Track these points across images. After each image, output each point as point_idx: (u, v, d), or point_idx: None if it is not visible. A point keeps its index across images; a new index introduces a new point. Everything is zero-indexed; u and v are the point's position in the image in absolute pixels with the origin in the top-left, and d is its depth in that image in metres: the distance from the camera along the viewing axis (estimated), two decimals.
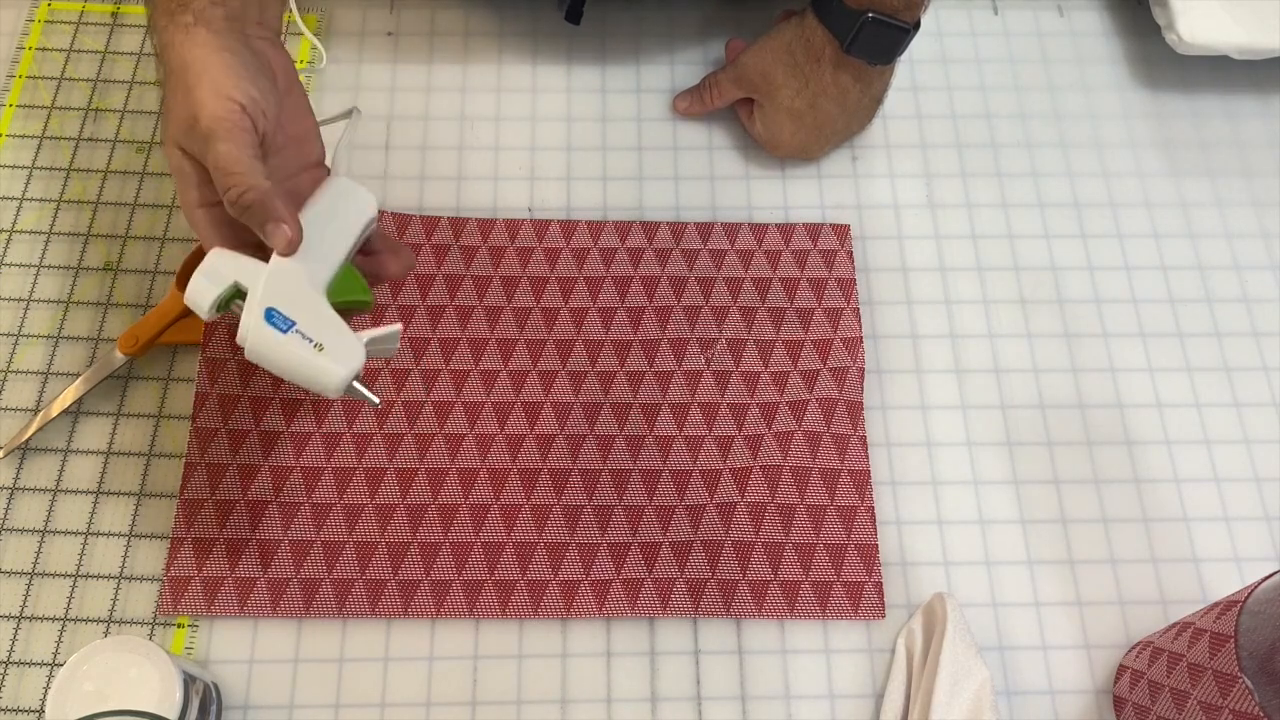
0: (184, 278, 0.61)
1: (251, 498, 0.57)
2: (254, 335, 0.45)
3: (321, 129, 0.52)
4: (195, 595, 0.55)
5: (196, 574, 0.55)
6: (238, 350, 0.59)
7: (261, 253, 0.47)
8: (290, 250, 0.45)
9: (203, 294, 0.45)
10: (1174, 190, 0.69)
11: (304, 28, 0.68)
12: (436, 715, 0.54)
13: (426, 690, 0.54)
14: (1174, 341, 0.65)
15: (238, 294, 0.46)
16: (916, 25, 0.61)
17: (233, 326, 0.59)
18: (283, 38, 0.52)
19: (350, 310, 0.49)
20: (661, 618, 0.56)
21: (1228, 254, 0.68)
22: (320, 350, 0.45)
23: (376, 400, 0.48)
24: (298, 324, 0.45)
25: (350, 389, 0.46)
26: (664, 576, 0.57)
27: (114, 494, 0.58)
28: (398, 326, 0.49)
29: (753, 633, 0.56)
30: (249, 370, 0.59)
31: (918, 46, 0.73)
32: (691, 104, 0.68)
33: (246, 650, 0.55)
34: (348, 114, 0.53)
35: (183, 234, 0.64)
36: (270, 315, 0.45)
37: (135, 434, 0.59)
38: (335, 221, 0.48)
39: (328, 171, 0.52)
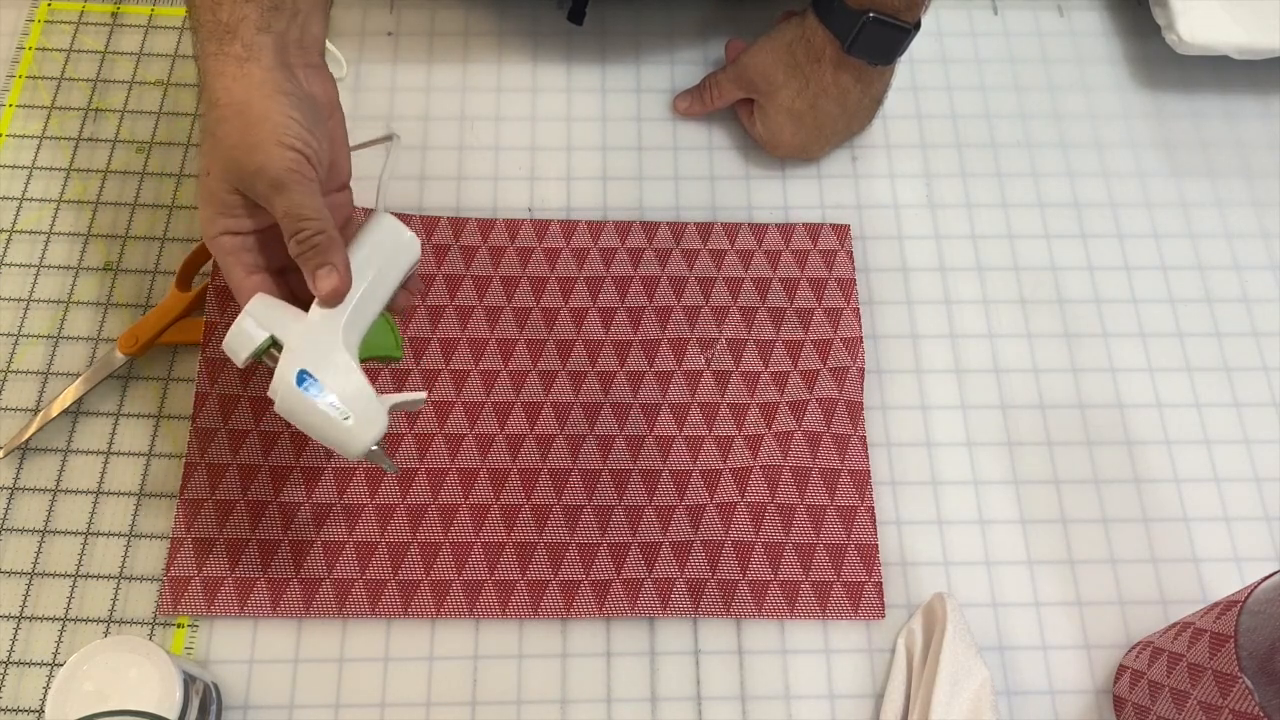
0: (184, 277, 0.61)
1: (251, 498, 0.57)
2: (283, 394, 0.46)
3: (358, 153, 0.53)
4: (195, 595, 0.55)
5: (196, 574, 0.55)
6: None
7: (280, 281, 0.48)
8: (334, 299, 0.46)
9: (242, 345, 0.46)
10: (1174, 190, 0.69)
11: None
12: (436, 715, 0.54)
13: (426, 690, 0.54)
14: (1174, 341, 0.65)
15: (274, 344, 0.47)
16: (917, 25, 0.61)
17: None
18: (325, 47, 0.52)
19: (378, 363, 0.49)
20: (661, 618, 0.56)
21: (1228, 254, 0.68)
22: (347, 419, 0.46)
23: (395, 468, 0.50)
24: (326, 388, 0.46)
25: (370, 453, 0.47)
26: (664, 576, 0.57)
27: (114, 494, 0.58)
28: (423, 395, 0.50)
29: (753, 633, 0.56)
30: (249, 371, 0.59)
31: (918, 46, 0.73)
32: (692, 104, 0.68)
33: (246, 650, 0.55)
34: (386, 139, 0.52)
35: (183, 234, 0.64)
36: (302, 378, 0.46)
37: (135, 434, 0.59)
38: (378, 266, 0.49)
39: (353, 206, 0.53)
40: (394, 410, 0.48)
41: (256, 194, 0.46)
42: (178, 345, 0.61)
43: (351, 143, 0.52)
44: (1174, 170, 0.70)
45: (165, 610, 0.55)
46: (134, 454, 0.59)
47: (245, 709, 0.53)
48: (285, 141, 0.45)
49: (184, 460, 0.58)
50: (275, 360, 0.47)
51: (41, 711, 0.53)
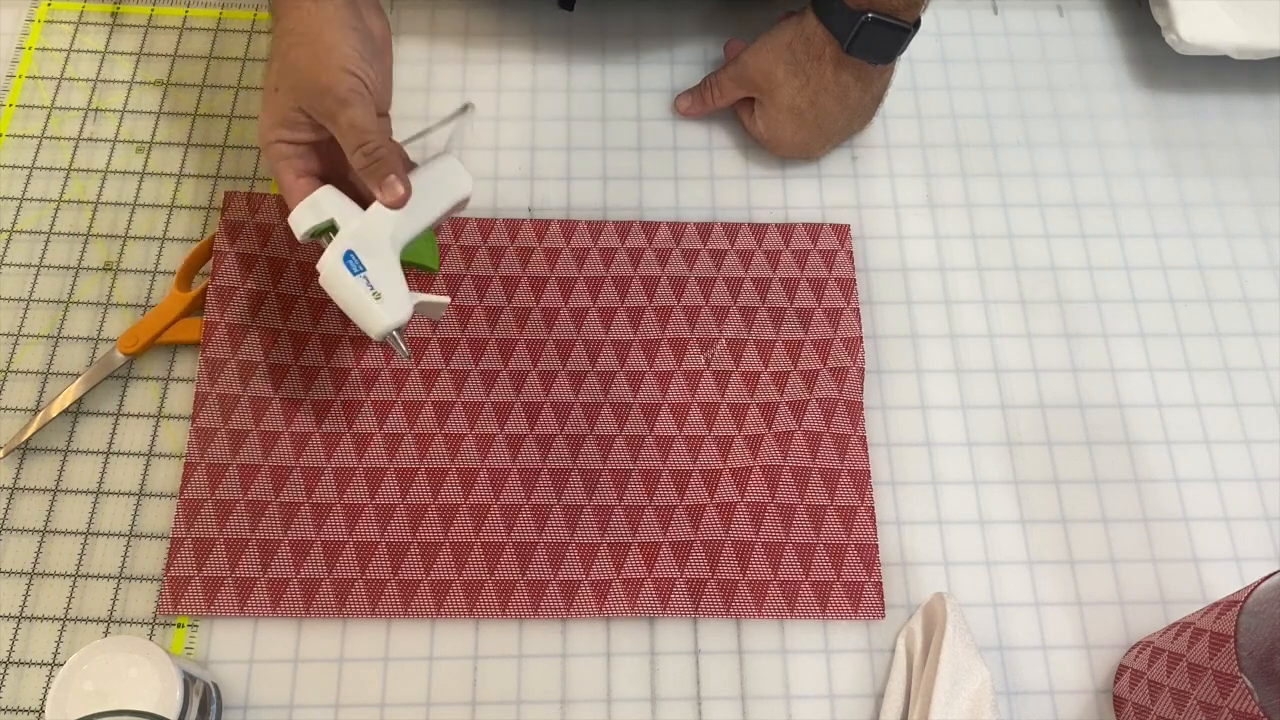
0: (185, 277, 0.61)
1: (251, 498, 0.57)
2: (329, 269, 0.52)
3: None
4: (195, 595, 0.55)
5: (197, 574, 0.55)
6: (237, 350, 0.60)
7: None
8: (398, 205, 0.52)
9: (304, 220, 0.53)
10: (1174, 190, 0.69)
11: None
12: (436, 715, 0.54)
13: (426, 690, 0.54)
14: (1174, 341, 0.65)
15: (331, 228, 0.53)
16: (917, 24, 0.61)
17: (232, 327, 0.60)
18: None
19: (416, 270, 0.56)
20: (661, 618, 0.56)
21: (1228, 254, 0.68)
22: (378, 299, 0.52)
23: (407, 353, 0.54)
24: (367, 271, 0.52)
25: (390, 337, 0.53)
26: (664, 576, 0.57)
27: (114, 494, 0.58)
28: (446, 299, 0.56)
29: (753, 633, 0.56)
30: (249, 370, 0.59)
31: (918, 46, 0.73)
32: (693, 104, 0.68)
33: (246, 650, 0.55)
34: (463, 110, 0.58)
35: (183, 234, 0.64)
36: (348, 257, 0.52)
37: (135, 434, 0.59)
38: (433, 192, 0.55)
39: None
40: (418, 310, 0.54)
41: (321, 110, 0.52)
42: (178, 345, 0.61)
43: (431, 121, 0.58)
44: (1174, 170, 0.70)
45: (165, 610, 0.55)
46: (134, 454, 0.59)
47: (245, 709, 0.53)
48: (350, 68, 0.52)
49: (184, 460, 0.58)
50: (329, 242, 0.53)
51: (41, 711, 0.53)
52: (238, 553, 0.56)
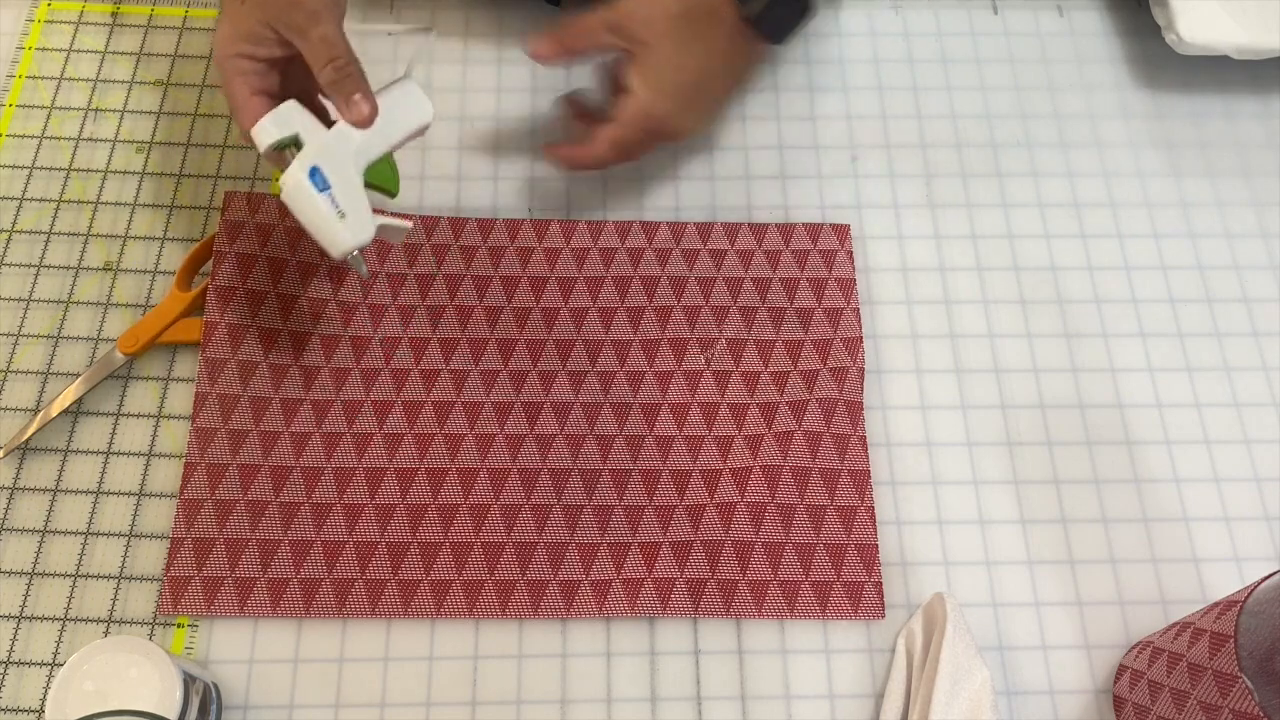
0: (185, 277, 0.61)
1: (251, 498, 0.57)
2: (292, 184, 0.52)
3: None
4: (195, 595, 0.55)
5: (197, 574, 0.55)
6: (238, 350, 0.59)
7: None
8: (365, 124, 0.52)
9: (267, 134, 0.52)
10: (1174, 190, 0.69)
11: None
12: (436, 715, 0.54)
13: (426, 690, 0.54)
14: (1174, 341, 0.65)
15: (295, 143, 0.52)
16: (815, 10, 0.60)
17: (232, 327, 0.60)
18: None
19: (377, 193, 0.55)
20: (661, 618, 0.56)
21: (1228, 254, 0.68)
22: (341, 217, 0.52)
23: (365, 271, 0.55)
24: (332, 188, 0.52)
25: (351, 257, 0.53)
26: (664, 576, 0.57)
27: (114, 494, 0.58)
28: (409, 223, 0.56)
29: (753, 633, 0.56)
30: (249, 370, 0.59)
31: (917, 46, 0.73)
32: (550, 48, 0.60)
33: (246, 650, 0.55)
34: (425, 30, 0.59)
35: (183, 234, 0.64)
36: (313, 173, 0.52)
37: (135, 434, 0.59)
38: (396, 114, 0.55)
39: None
40: (380, 233, 0.54)
41: (290, 24, 0.51)
42: (178, 345, 0.61)
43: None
44: (1174, 170, 0.70)
45: (165, 610, 0.55)
46: (134, 454, 0.59)
47: (245, 709, 0.53)
48: None
49: (184, 460, 0.58)
50: (293, 157, 0.52)
51: (41, 711, 0.53)
52: (238, 553, 0.56)
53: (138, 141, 0.67)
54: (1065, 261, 0.67)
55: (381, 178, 0.55)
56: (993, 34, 0.74)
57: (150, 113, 0.68)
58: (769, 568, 0.57)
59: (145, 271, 0.63)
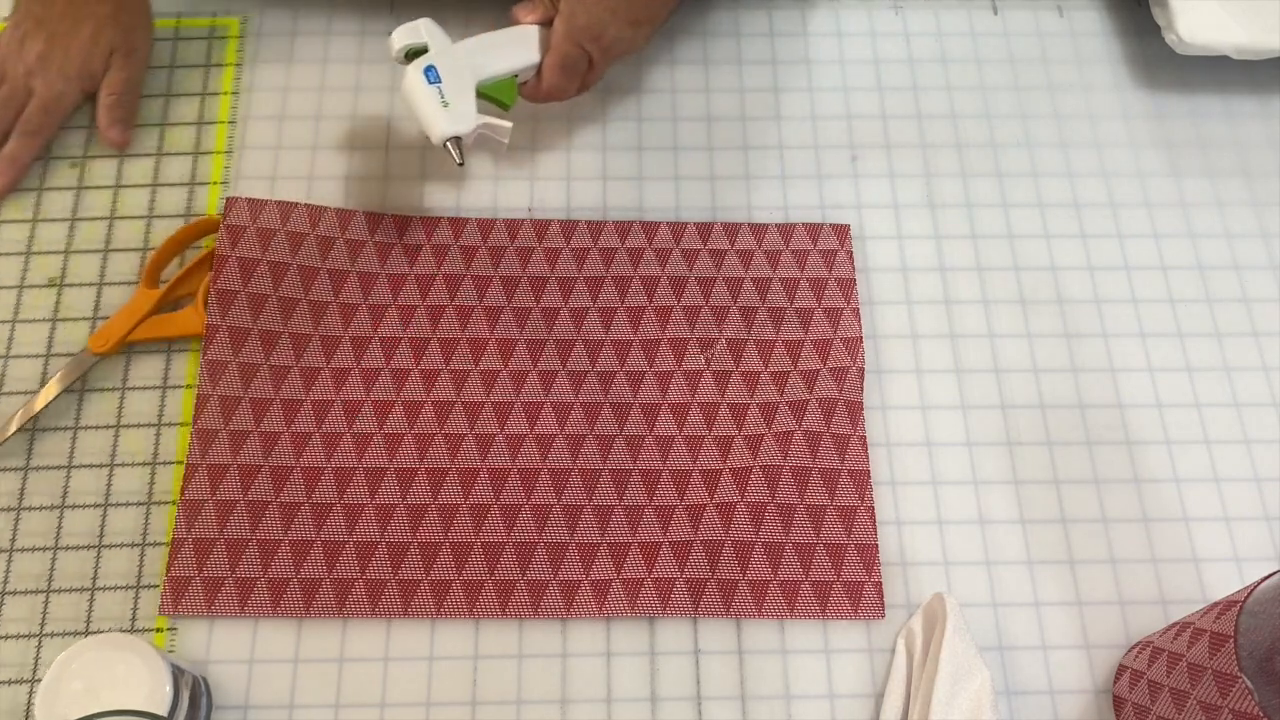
0: (152, 275, 0.61)
1: (252, 498, 0.57)
2: (410, 76, 0.59)
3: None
4: (196, 595, 0.55)
5: (197, 574, 0.55)
6: (239, 352, 0.60)
7: None
8: (113, 145, 0.65)
9: (402, 38, 0.60)
10: (1174, 190, 0.69)
11: None
12: (436, 715, 0.54)
13: (426, 690, 0.54)
14: (1174, 341, 0.65)
15: (422, 51, 0.60)
16: None
17: (232, 329, 0.60)
18: None
19: (491, 103, 0.61)
20: (661, 618, 0.56)
21: (1228, 254, 0.68)
22: (445, 106, 0.58)
23: (461, 161, 0.60)
24: (443, 83, 0.59)
25: (449, 146, 0.59)
26: (664, 576, 0.57)
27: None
28: (510, 124, 0.61)
29: (753, 633, 0.56)
30: (250, 372, 0.59)
31: (918, 46, 0.73)
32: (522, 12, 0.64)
33: (246, 650, 0.55)
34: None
35: (131, 244, 0.63)
36: (428, 69, 0.59)
37: (96, 444, 0.59)
38: (516, 47, 0.62)
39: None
40: (482, 129, 0.60)
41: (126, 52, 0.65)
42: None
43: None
44: (1174, 170, 0.70)
45: (166, 610, 0.55)
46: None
47: (245, 709, 0.53)
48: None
49: (185, 461, 0.58)
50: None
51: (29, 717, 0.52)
52: (238, 553, 0.56)
53: (70, 157, 0.66)
54: (1065, 261, 0.67)
55: (498, 90, 0.61)
56: (993, 34, 0.74)
57: (80, 128, 0.67)
58: (769, 568, 0.57)
59: (91, 284, 0.62)
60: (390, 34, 0.60)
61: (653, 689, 0.55)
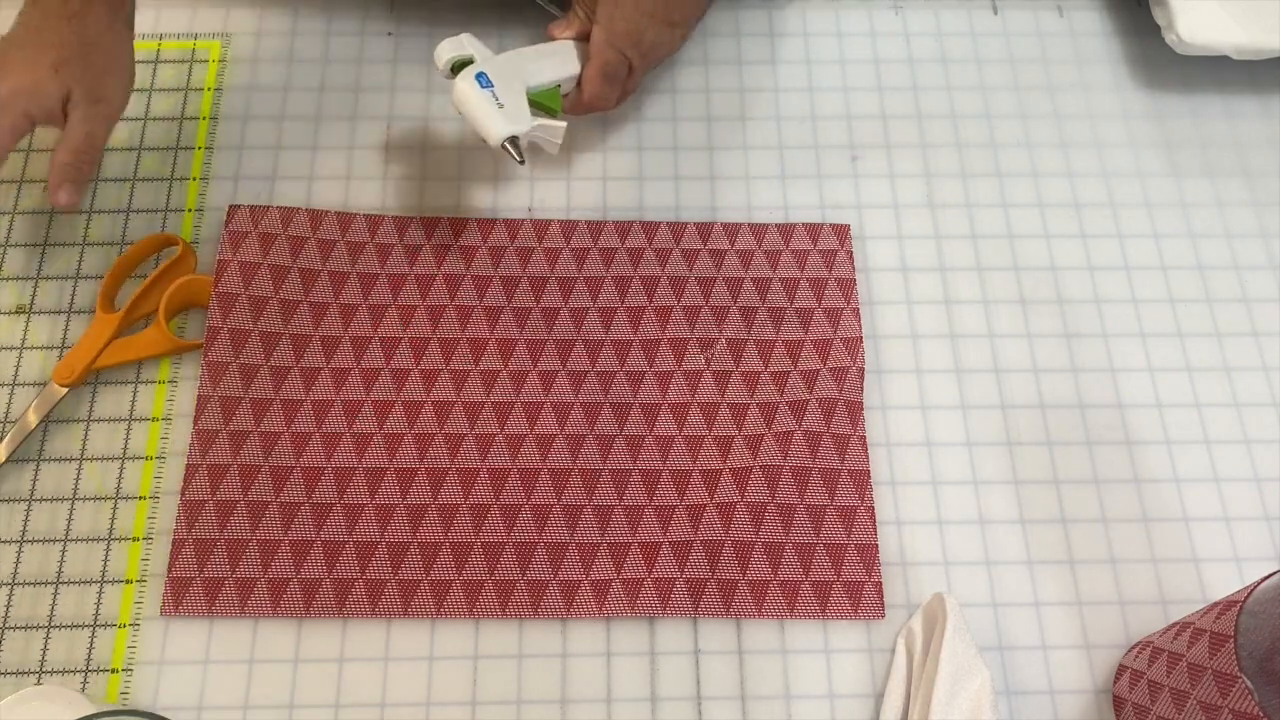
0: (107, 299, 0.61)
1: (252, 498, 0.57)
2: (461, 84, 0.59)
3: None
4: (196, 596, 0.55)
5: (198, 575, 0.55)
6: (239, 354, 0.60)
7: None
8: (59, 205, 0.58)
9: (446, 50, 0.61)
10: (1174, 190, 0.69)
11: None
12: (436, 715, 0.54)
13: (426, 690, 0.54)
14: (1174, 341, 0.65)
15: (468, 63, 0.60)
16: None
17: (233, 331, 0.60)
18: None
19: (540, 109, 0.62)
20: (661, 618, 0.56)
21: (1228, 254, 0.68)
22: (500, 108, 0.59)
23: (521, 160, 0.59)
24: (495, 87, 0.59)
25: (506, 147, 0.59)
26: (664, 576, 0.57)
27: (38, 541, 0.58)
28: (564, 124, 0.61)
29: (753, 633, 0.56)
30: (250, 373, 0.60)
31: (918, 46, 0.73)
32: (560, 29, 0.65)
33: (247, 650, 0.55)
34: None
35: (97, 271, 0.63)
36: (480, 76, 0.59)
37: (57, 479, 0.58)
38: (559, 59, 0.63)
39: None
40: (536, 131, 0.60)
41: (90, 112, 0.58)
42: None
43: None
44: (1174, 170, 0.70)
45: (168, 611, 0.55)
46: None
47: (245, 709, 0.53)
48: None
49: (185, 462, 0.58)
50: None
51: None
52: (238, 553, 0.56)
53: (43, 180, 0.64)
54: (1065, 261, 0.67)
55: (545, 98, 0.62)
56: (993, 34, 0.74)
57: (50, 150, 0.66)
58: (769, 568, 0.57)
59: (60, 312, 0.61)
60: (435, 48, 0.61)
61: (653, 689, 0.55)
